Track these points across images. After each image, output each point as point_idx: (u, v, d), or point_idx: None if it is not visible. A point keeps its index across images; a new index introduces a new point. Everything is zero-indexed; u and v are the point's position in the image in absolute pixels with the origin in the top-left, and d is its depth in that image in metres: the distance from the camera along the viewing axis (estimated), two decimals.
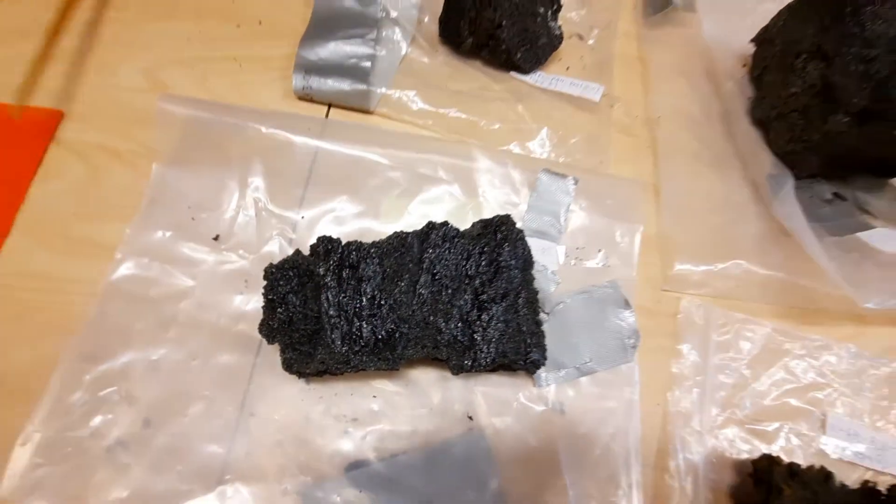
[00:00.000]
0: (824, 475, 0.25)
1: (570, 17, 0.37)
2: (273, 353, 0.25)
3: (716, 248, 0.31)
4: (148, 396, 0.24)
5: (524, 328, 0.25)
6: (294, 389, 0.25)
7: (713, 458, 0.26)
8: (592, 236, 0.30)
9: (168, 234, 0.27)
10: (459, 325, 0.24)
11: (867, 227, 0.32)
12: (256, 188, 0.29)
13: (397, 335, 0.23)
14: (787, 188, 0.32)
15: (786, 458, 0.26)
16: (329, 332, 0.22)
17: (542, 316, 0.27)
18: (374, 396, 0.25)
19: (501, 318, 0.24)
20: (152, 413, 0.24)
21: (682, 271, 0.30)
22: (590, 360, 0.27)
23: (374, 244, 0.24)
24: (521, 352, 0.24)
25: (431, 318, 0.23)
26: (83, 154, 0.29)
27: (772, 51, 0.36)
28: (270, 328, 0.23)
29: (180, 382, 0.24)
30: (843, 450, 0.27)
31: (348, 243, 0.24)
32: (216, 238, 0.27)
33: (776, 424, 0.28)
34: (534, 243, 0.28)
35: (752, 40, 0.37)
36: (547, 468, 0.25)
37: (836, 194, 0.34)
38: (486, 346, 0.24)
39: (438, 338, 0.23)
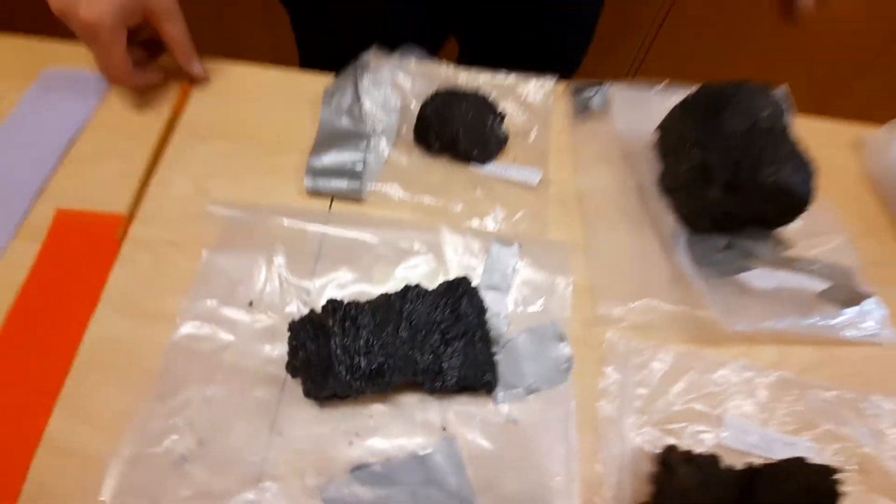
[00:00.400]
0: (713, 458, 0.32)
1: (515, 120, 0.49)
2: (295, 386, 0.33)
3: (631, 291, 0.40)
4: (203, 423, 0.32)
5: (480, 358, 0.33)
6: (311, 413, 0.33)
7: (634, 453, 0.34)
8: (534, 287, 0.39)
9: (214, 302, 0.37)
10: (431, 356, 0.32)
11: (748, 268, 0.41)
12: (279, 265, 0.38)
13: (385, 366, 0.32)
14: (682, 242, 0.41)
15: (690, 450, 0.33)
16: (337, 366, 0.31)
17: (496, 349, 0.36)
18: (371, 416, 0.33)
19: (462, 351, 0.33)
20: (206, 435, 0.32)
21: (606, 310, 0.39)
22: (535, 382, 0.36)
23: (367, 302, 0.34)
24: (478, 376, 0.33)
25: (410, 352, 0.32)
26: (150, 245, 0.39)
27: (669, 138, 0.47)
28: (294, 367, 0.32)
29: (226, 412, 0.33)
30: (737, 442, 0.35)
31: (349, 303, 0.33)
32: (250, 303, 0.37)
33: (683, 424, 0.35)
34: (488, 295, 0.38)
35: (657, 129, 0.48)
36: (504, 466, 0.33)
37: (727, 245, 0.44)
38: (451, 372, 0.32)
39: (416, 367, 0.32)
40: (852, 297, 0.41)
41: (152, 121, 0.45)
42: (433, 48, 0.67)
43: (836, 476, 0.29)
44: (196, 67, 0.46)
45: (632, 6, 1.15)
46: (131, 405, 0.33)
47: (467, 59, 0.68)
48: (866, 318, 0.41)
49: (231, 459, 0.31)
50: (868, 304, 0.41)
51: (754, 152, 0.39)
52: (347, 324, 0.32)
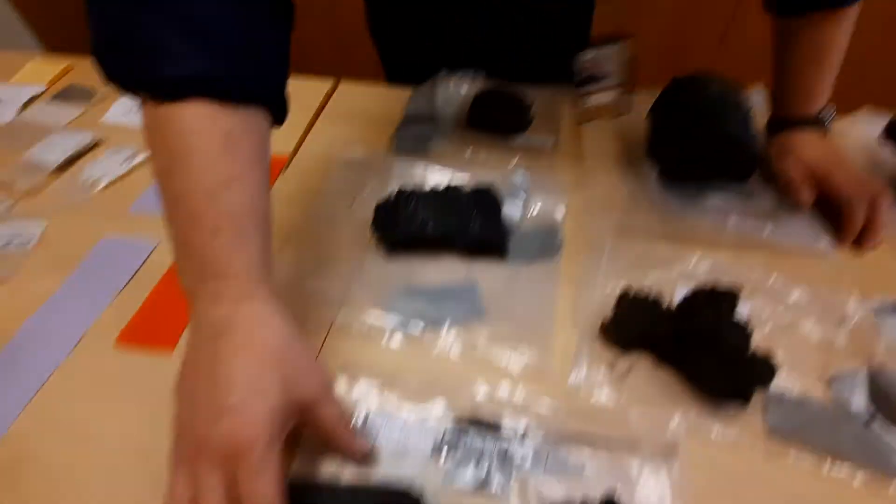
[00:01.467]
0: (656, 298, 0.45)
1: (539, 109, 0.68)
2: (375, 247, 0.52)
3: (614, 207, 0.55)
4: (321, 259, 0.52)
5: (494, 229, 0.50)
6: (384, 263, 0.51)
7: (602, 297, 0.47)
8: (542, 202, 0.56)
9: (334, 203, 0.58)
10: (459, 222, 0.50)
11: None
12: (372, 184, 0.59)
13: (430, 224, 0.50)
14: (656, 177, 0.56)
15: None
16: (401, 222, 0.50)
17: (511, 237, 0.52)
18: (422, 266, 0.51)
19: (480, 221, 0.50)
20: (324, 268, 0.51)
21: (593, 219, 0.54)
22: (535, 255, 0.51)
23: (424, 192, 0.53)
24: (491, 238, 0.50)
25: (447, 218, 0.50)
26: (299, 174, 0.62)
27: (655, 114, 0.63)
28: (375, 226, 0.51)
29: (335, 258, 0.52)
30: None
31: (411, 191, 0.52)
32: (352, 202, 0.57)
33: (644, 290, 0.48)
34: (508, 204, 0.55)
35: (649, 112, 0.64)
36: (507, 299, 0.48)
37: (697, 188, 0.57)
38: (472, 232, 0.50)
39: (450, 226, 0.50)
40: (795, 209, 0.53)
41: (307, 112, 0.71)
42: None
43: (737, 294, 0.41)
44: (360, 444, 0.36)
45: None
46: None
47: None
48: (808, 230, 0.52)
49: (334, 282, 0.50)
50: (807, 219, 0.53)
51: (706, 115, 0.54)
52: (410, 201, 0.51)
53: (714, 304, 0.41)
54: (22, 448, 0.39)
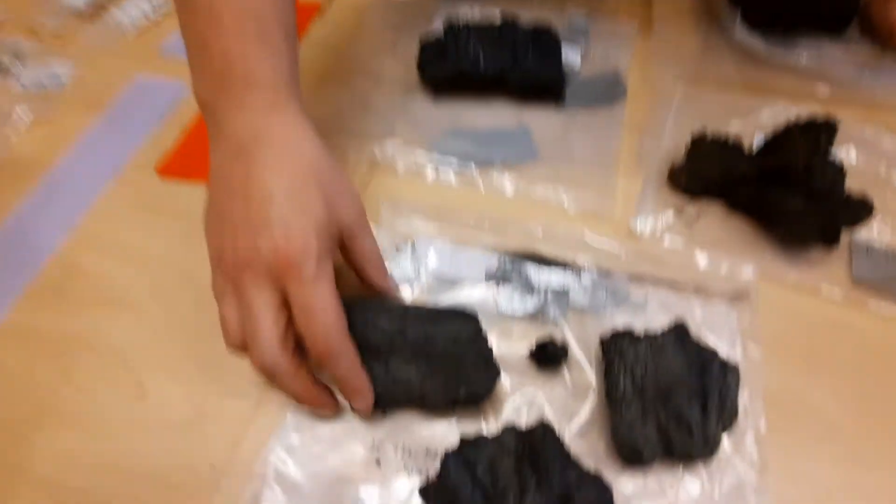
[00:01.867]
0: (737, 142, 0.40)
1: None
2: (419, 90, 0.48)
3: (689, 53, 0.49)
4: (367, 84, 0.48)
5: (550, 68, 0.45)
6: (426, 105, 0.47)
7: (673, 144, 0.43)
8: (603, 47, 0.50)
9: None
10: (513, 57, 0.45)
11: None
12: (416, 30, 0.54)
13: (481, 57, 0.45)
14: (739, 26, 0.49)
15: None
16: (452, 59, 0.45)
17: (570, 81, 0.47)
18: (468, 107, 0.46)
19: (537, 59, 0.45)
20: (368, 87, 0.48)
21: (662, 66, 0.49)
22: (596, 101, 0.46)
23: (476, 26, 0.47)
24: (549, 77, 0.45)
25: (501, 56, 0.45)
26: (333, 16, 0.57)
27: None
28: (421, 63, 0.47)
29: (376, 92, 0.48)
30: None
31: (463, 24, 0.47)
32: (393, 45, 0.52)
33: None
34: (567, 49, 0.49)
35: None
36: (562, 142, 0.44)
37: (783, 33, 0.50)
38: (526, 68, 0.45)
39: (504, 60, 0.45)
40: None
41: None
42: None
43: (836, 126, 0.36)
44: (392, 282, 0.34)
45: None
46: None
47: None
48: None
49: (377, 120, 0.46)
50: None
51: None
52: (460, 36, 0.46)
53: (810, 135, 0.36)
54: (71, 264, 0.38)
